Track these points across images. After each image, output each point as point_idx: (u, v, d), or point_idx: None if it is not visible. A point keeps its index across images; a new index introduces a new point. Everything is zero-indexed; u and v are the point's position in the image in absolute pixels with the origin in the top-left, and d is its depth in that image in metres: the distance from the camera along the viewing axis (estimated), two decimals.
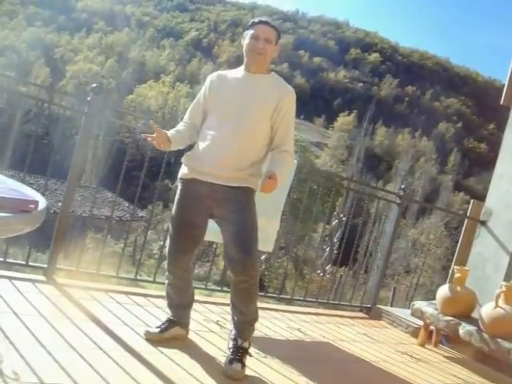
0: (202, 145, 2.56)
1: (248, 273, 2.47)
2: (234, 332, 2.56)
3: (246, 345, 2.52)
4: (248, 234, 2.50)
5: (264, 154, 2.61)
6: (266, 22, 2.58)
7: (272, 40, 2.58)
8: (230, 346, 2.51)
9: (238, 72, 2.65)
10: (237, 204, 2.51)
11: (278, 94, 2.57)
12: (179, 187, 2.66)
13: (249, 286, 2.49)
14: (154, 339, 2.55)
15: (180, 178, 2.65)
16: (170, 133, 2.58)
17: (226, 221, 2.53)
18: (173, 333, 2.64)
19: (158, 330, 2.61)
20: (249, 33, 2.58)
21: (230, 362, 2.42)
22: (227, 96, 2.58)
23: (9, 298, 2.61)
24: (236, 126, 2.51)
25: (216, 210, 2.55)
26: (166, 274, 2.67)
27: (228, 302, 2.65)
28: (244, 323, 2.57)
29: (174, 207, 2.65)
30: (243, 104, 2.53)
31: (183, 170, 2.64)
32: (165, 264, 2.69)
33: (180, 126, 2.68)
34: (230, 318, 2.64)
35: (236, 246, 2.48)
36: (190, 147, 2.68)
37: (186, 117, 2.72)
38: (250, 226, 2.52)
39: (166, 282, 2.70)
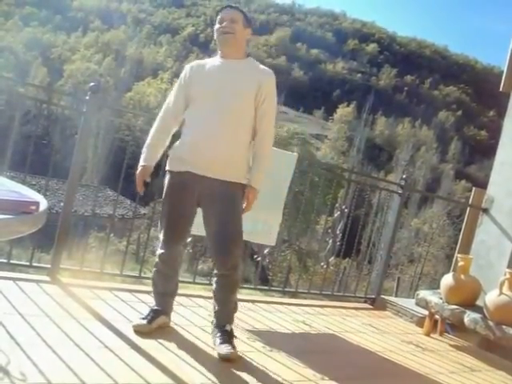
0: (189, 136, 2.57)
1: (229, 268, 2.56)
2: (215, 321, 2.65)
3: (228, 328, 2.59)
4: (230, 233, 2.55)
5: (251, 140, 2.63)
6: (229, 6, 2.62)
7: (238, 20, 2.60)
8: (216, 332, 2.58)
9: (215, 60, 2.66)
10: (225, 199, 2.54)
11: (257, 78, 2.59)
12: (168, 179, 2.66)
13: (230, 280, 2.60)
14: (144, 331, 2.56)
15: (169, 171, 2.66)
16: (146, 158, 2.66)
17: (212, 214, 2.56)
18: (159, 322, 2.66)
19: (145, 321, 2.62)
20: (216, 20, 2.63)
21: (220, 344, 2.50)
22: (207, 85, 2.58)
23: (14, 299, 2.62)
24: (221, 114, 2.52)
25: (203, 201, 2.58)
26: (156, 260, 2.70)
27: None
28: (224, 312, 2.64)
29: (164, 199, 2.66)
30: (224, 91, 2.54)
31: (173, 162, 2.64)
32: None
33: (153, 135, 2.69)
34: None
35: (218, 245, 2.56)
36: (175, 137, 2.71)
37: (171, 101, 2.71)
38: (233, 225, 2.56)
39: (154, 269, 2.73)
